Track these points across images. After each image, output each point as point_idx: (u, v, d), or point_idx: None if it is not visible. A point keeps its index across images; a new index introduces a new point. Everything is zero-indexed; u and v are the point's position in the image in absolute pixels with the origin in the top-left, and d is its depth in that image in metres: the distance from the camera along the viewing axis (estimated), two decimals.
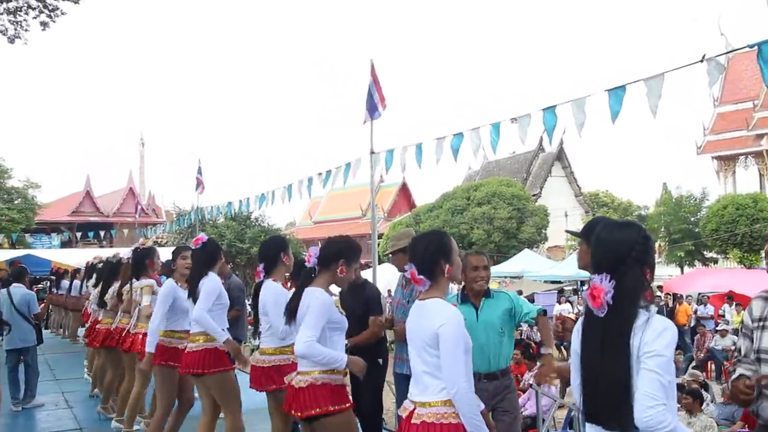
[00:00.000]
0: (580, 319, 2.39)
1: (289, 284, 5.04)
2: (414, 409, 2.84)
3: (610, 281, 2.18)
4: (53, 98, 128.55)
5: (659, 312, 16.51)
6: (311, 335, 3.44)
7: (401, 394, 4.84)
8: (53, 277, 17.16)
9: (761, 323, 2.81)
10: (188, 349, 4.97)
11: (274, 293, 4.50)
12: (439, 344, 2.77)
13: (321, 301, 3.53)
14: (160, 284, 6.13)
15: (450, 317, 2.80)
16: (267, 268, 4.66)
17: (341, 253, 3.73)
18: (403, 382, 4.80)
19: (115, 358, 7.27)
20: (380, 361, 5.10)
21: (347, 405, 3.60)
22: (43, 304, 15.70)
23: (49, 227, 41.14)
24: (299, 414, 3.55)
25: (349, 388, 3.84)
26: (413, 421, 2.80)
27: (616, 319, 2.16)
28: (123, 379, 6.92)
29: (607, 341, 2.16)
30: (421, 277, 2.91)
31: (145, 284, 6.28)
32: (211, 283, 4.89)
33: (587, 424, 2.28)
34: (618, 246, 2.23)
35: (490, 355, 4.18)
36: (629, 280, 2.17)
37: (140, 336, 6.24)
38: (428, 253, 2.94)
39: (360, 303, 5.18)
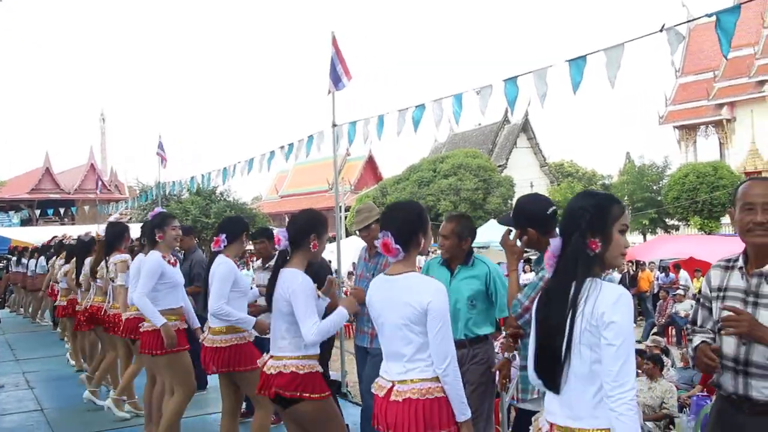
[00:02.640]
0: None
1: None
2: (392, 386, 2.77)
3: (561, 245, 2.29)
4: (9, 72, 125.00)
5: (622, 279, 16.65)
6: (316, 321, 3.31)
7: (362, 366, 4.81)
8: (11, 256, 16.82)
9: (721, 293, 2.76)
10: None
11: (225, 268, 4.36)
12: (426, 320, 2.70)
13: (305, 286, 3.38)
14: None
15: (437, 291, 2.75)
16: (229, 240, 4.56)
17: (312, 227, 3.56)
18: (363, 355, 4.77)
19: (101, 336, 7.11)
20: None
21: (324, 394, 3.43)
22: (1, 283, 15.42)
23: (7, 205, 40.30)
24: (272, 393, 3.41)
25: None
26: (393, 398, 2.74)
27: (558, 279, 2.26)
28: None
29: (550, 299, 2.25)
30: (397, 246, 2.81)
31: (120, 260, 6.00)
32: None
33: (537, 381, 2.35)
34: (569, 213, 2.30)
35: (459, 322, 3.98)
36: (570, 246, 2.24)
37: (117, 316, 6.05)
38: (408, 223, 2.87)
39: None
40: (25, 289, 14.83)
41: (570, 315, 2.14)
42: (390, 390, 2.77)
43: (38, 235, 19.67)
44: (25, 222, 39.56)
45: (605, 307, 2.09)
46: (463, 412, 2.75)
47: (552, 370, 2.19)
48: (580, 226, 2.22)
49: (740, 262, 2.73)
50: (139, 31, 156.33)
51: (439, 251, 4.35)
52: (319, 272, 5.04)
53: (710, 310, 2.82)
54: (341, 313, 3.45)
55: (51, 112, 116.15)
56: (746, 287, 2.67)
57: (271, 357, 3.49)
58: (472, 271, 4.11)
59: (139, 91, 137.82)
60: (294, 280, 3.40)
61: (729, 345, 2.68)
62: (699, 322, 2.88)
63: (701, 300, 2.91)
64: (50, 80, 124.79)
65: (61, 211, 35.10)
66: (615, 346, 2.05)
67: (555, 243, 2.29)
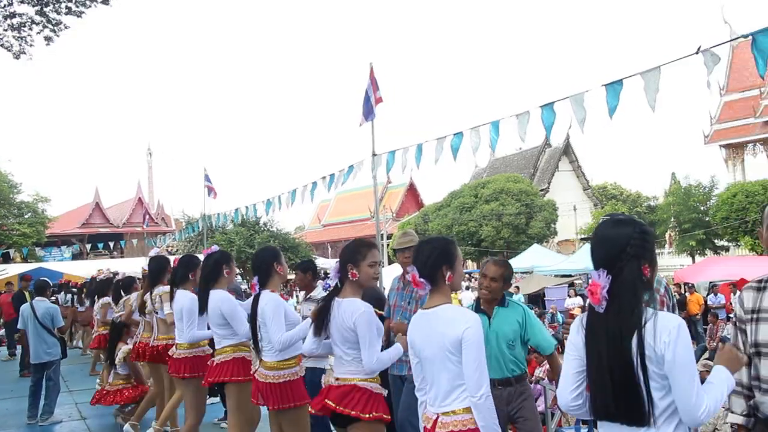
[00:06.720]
0: (581, 315, 2.38)
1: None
2: (437, 418, 2.82)
3: (607, 276, 2.19)
4: (59, 112, 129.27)
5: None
6: (376, 351, 3.45)
7: (397, 395, 4.78)
8: (74, 290, 17.34)
9: (755, 315, 2.72)
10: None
11: (273, 304, 4.28)
12: (462, 349, 2.75)
13: (367, 314, 3.48)
14: None
15: (473, 321, 2.80)
16: (261, 279, 4.43)
17: (348, 260, 3.64)
18: (399, 384, 4.79)
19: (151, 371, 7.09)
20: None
21: (385, 416, 3.51)
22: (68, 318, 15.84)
23: (59, 240, 41.41)
24: (333, 407, 3.48)
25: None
26: (438, 430, 2.79)
27: (615, 314, 2.16)
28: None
29: (610, 337, 2.16)
30: (422, 280, 2.93)
31: (163, 291, 6.03)
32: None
33: (599, 422, 2.27)
34: (613, 242, 2.23)
35: (502, 361, 4.19)
36: (626, 275, 2.17)
37: (161, 347, 6.15)
38: (432, 258, 2.95)
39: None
40: (75, 323, 15.24)
41: (638, 346, 2.11)
42: (435, 422, 2.82)
43: (89, 268, 20.18)
44: (76, 256, 40.57)
45: (666, 337, 2.09)
46: None
47: (625, 404, 2.14)
48: (634, 254, 2.19)
49: None
50: (184, 67, 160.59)
51: (474, 292, 4.46)
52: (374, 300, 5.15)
53: (747, 333, 2.78)
54: (398, 349, 3.62)
55: (100, 148, 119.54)
56: None
57: (337, 379, 3.58)
58: (510, 312, 4.30)
59: (184, 126, 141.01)
60: (357, 309, 3.49)
61: (767, 368, 2.65)
62: (741, 347, 2.82)
63: (737, 323, 2.86)
64: (98, 118, 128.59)
65: (111, 244, 35.98)
66: (684, 375, 2.08)
67: (600, 274, 2.20)
